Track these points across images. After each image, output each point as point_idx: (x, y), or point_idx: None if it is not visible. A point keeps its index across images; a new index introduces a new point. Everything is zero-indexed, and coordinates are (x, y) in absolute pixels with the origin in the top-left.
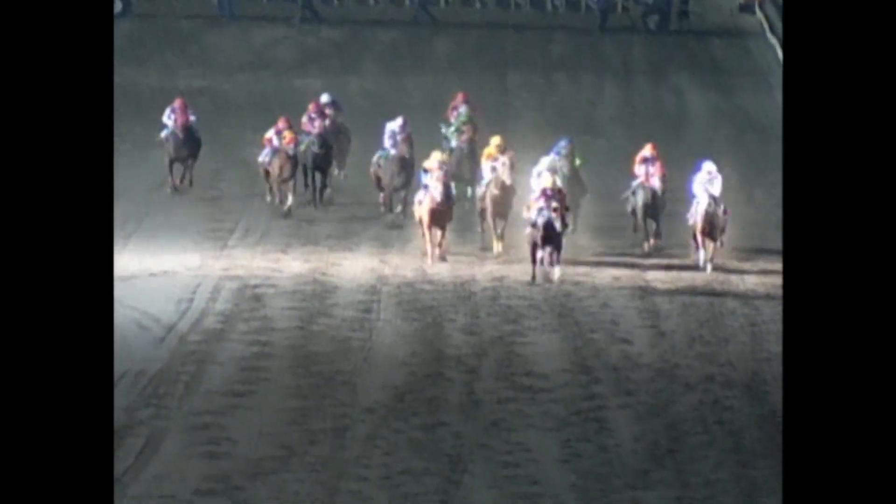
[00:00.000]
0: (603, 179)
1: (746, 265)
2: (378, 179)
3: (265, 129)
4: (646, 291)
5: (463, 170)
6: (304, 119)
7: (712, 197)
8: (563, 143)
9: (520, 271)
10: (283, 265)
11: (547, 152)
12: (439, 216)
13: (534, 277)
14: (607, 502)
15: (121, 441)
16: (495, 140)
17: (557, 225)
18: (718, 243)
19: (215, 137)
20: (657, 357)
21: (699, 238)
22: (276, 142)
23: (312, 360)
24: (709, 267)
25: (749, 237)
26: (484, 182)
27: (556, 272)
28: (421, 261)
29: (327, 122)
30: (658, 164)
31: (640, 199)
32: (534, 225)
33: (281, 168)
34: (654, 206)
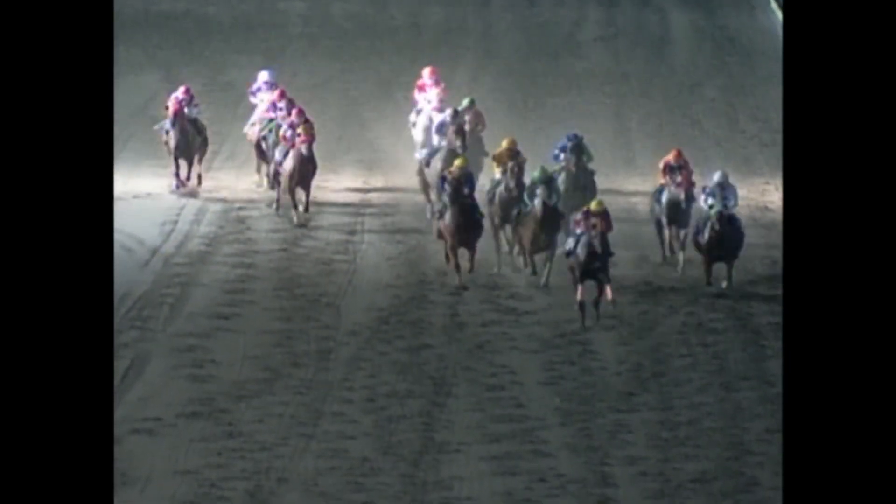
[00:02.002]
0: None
1: None
2: (427, 186)
3: (249, 54)
4: (630, 215)
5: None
6: (268, 109)
7: (720, 213)
8: (565, 142)
9: None
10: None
11: (552, 152)
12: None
13: (582, 310)
14: (591, 425)
15: None
16: (507, 142)
17: (599, 249)
18: (733, 270)
19: (199, 60)
20: (641, 280)
21: (707, 262)
22: (290, 139)
23: (296, 283)
24: (724, 284)
25: (730, 159)
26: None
27: (609, 292)
28: (404, 181)
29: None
30: (684, 172)
31: (664, 203)
32: (570, 254)
33: (292, 172)
34: (680, 212)
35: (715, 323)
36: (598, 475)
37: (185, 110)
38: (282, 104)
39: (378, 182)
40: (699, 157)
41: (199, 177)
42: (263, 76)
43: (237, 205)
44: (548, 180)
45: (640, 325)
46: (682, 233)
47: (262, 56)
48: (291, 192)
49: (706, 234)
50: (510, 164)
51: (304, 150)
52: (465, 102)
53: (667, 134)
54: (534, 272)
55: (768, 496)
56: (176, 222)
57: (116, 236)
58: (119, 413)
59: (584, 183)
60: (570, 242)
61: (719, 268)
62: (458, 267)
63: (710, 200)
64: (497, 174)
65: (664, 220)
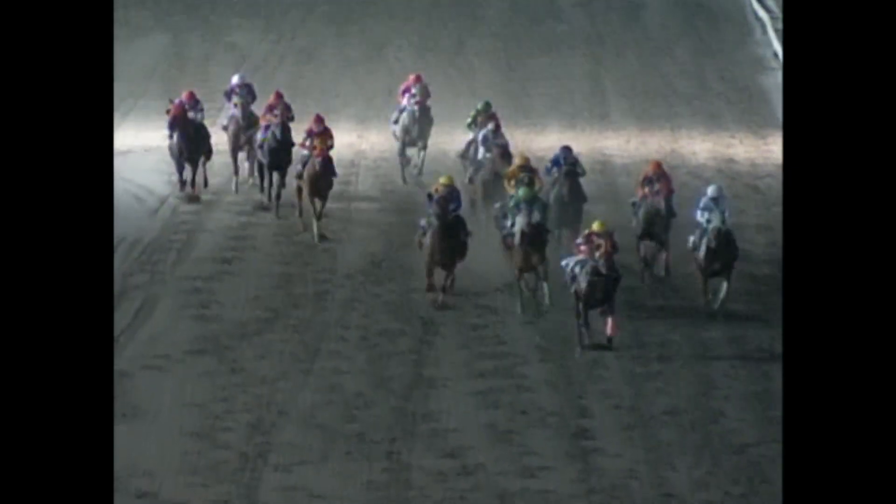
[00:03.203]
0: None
1: (698, 142)
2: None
3: (252, 17)
4: (604, 167)
5: None
6: (262, 112)
7: (717, 229)
8: (559, 156)
9: None
10: (367, 143)
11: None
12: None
13: (581, 341)
14: (569, 362)
15: (117, 305)
16: (519, 159)
17: (604, 271)
18: (725, 284)
19: (204, 24)
20: (615, 226)
21: (703, 277)
22: (308, 147)
23: (295, 230)
24: (717, 303)
25: (698, 115)
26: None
27: (610, 325)
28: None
29: (285, 115)
30: (664, 182)
31: (641, 217)
32: (574, 279)
33: (309, 184)
34: (658, 224)
35: (685, 268)
36: (575, 408)
37: (189, 114)
38: (277, 109)
39: (372, 136)
40: (669, 114)
41: (206, 180)
42: (235, 79)
43: (240, 157)
44: (532, 199)
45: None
46: (662, 254)
47: (263, 20)
48: (311, 201)
49: (702, 250)
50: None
51: (317, 165)
52: (480, 106)
53: (640, 92)
54: (526, 291)
55: (734, 427)
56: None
57: (127, 186)
58: (130, 350)
59: (571, 198)
60: (571, 265)
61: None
62: (432, 287)
63: (706, 215)
64: (510, 192)
65: (639, 233)
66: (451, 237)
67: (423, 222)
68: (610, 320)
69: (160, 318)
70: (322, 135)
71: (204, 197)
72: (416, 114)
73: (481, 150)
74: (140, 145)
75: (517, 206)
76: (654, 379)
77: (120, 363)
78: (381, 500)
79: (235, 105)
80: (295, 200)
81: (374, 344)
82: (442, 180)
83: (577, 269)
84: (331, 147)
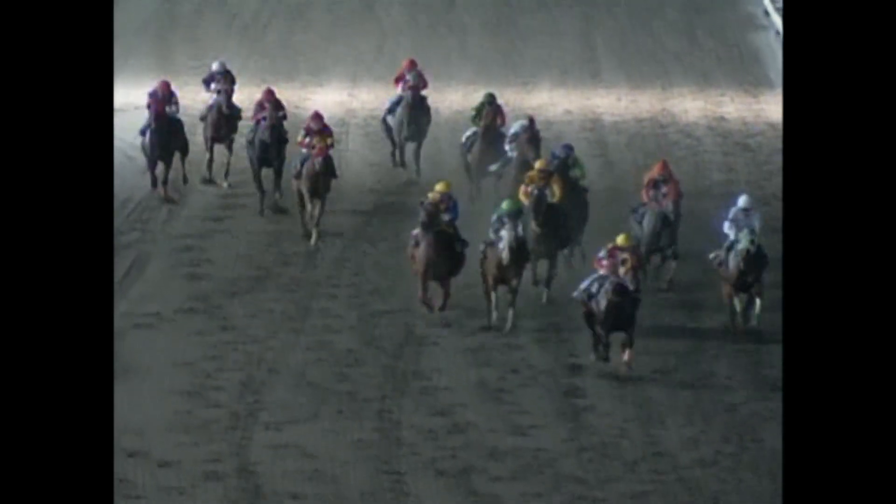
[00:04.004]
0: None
1: (688, 100)
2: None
3: None
4: (595, 125)
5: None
6: (254, 109)
7: (746, 250)
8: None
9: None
10: (258, 99)
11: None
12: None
13: (597, 353)
14: (559, 320)
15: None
16: (539, 163)
17: (631, 287)
18: (756, 300)
19: None
20: (607, 187)
21: (731, 293)
22: (307, 145)
23: (285, 188)
24: (740, 320)
25: (689, 73)
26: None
27: (627, 356)
28: (387, 95)
29: (277, 112)
30: (671, 184)
31: (647, 225)
32: (591, 297)
33: (307, 184)
34: (665, 234)
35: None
36: (566, 367)
37: (165, 108)
38: (268, 103)
39: (362, 94)
40: (660, 72)
41: (185, 177)
42: (215, 66)
43: None
44: (517, 212)
45: (607, 225)
46: (671, 263)
47: None
48: (310, 201)
49: (731, 267)
50: (531, 188)
51: (317, 164)
52: (483, 99)
53: (630, 51)
54: (490, 311)
55: (725, 386)
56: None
57: (119, 144)
58: (121, 308)
59: (574, 204)
60: (589, 284)
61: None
62: (427, 302)
63: (735, 232)
64: (524, 199)
65: (645, 244)
66: (445, 249)
67: (415, 232)
68: (628, 352)
69: (151, 277)
70: (321, 133)
71: (195, 156)
72: (410, 105)
73: (508, 146)
74: (131, 103)
75: (500, 218)
76: (644, 338)
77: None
78: (372, 459)
79: (218, 93)
80: (294, 203)
81: (364, 302)
82: (438, 187)
83: (594, 288)
84: (331, 146)
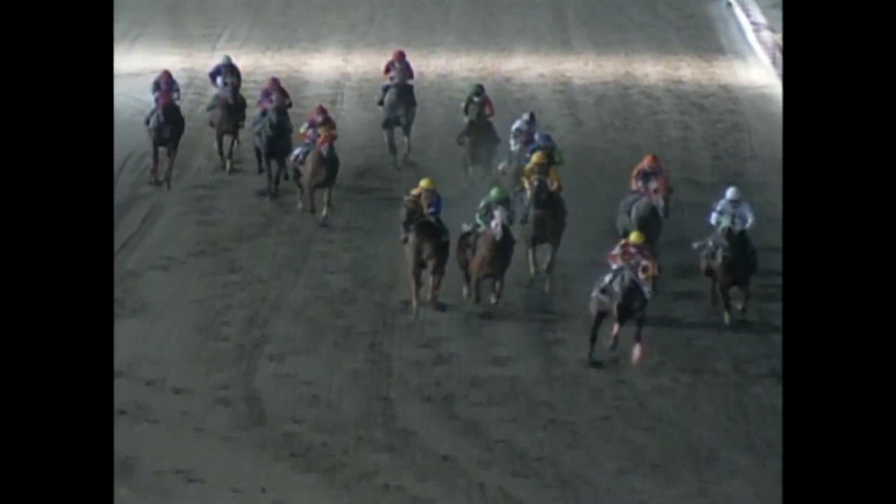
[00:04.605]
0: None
1: (649, 65)
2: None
3: None
4: (565, 87)
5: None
6: (260, 98)
7: (729, 230)
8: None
9: (464, 66)
10: (262, 63)
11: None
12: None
13: (591, 357)
14: (539, 264)
15: (126, 212)
16: (536, 157)
17: (645, 291)
18: (745, 294)
19: None
20: (576, 143)
21: (718, 288)
22: (310, 137)
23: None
24: (730, 316)
25: (650, 41)
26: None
27: (637, 351)
28: (378, 60)
29: (283, 101)
30: (661, 178)
31: (635, 215)
32: (604, 291)
33: (314, 172)
34: (652, 225)
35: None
36: (540, 304)
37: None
38: (273, 95)
39: (356, 60)
40: (624, 39)
41: (171, 167)
42: (221, 60)
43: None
44: (504, 200)
45: (576, 185)
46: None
47: None
48: (311, 191)
49: (719, 257)
50: (532, 178)
51: (323, 151)
52: (472, 91)
53: (597, 21)
54: (477, 300)
55: (682, 321)
56: (185, 92)
57: (136, 104)
58: (138, 253)
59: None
60: (609, 282)
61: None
62: (419, 288)
63: (720, 219)
64: (528, 187)
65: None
66: (431, 239)
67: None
68: (638, 346)
69: (165, 224)
70: (325, 124)
71: (204, 115)
72: (397, 94)
73: (511, 141)
74: (148, 67)
75: (488, 205)
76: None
77: (130, 264)
78: (364, 387)
79: (226, 85)
80: (299, 192)
81: (357, 246)
82: (423, 183)
83: (606, 279)
84: (335, 137)
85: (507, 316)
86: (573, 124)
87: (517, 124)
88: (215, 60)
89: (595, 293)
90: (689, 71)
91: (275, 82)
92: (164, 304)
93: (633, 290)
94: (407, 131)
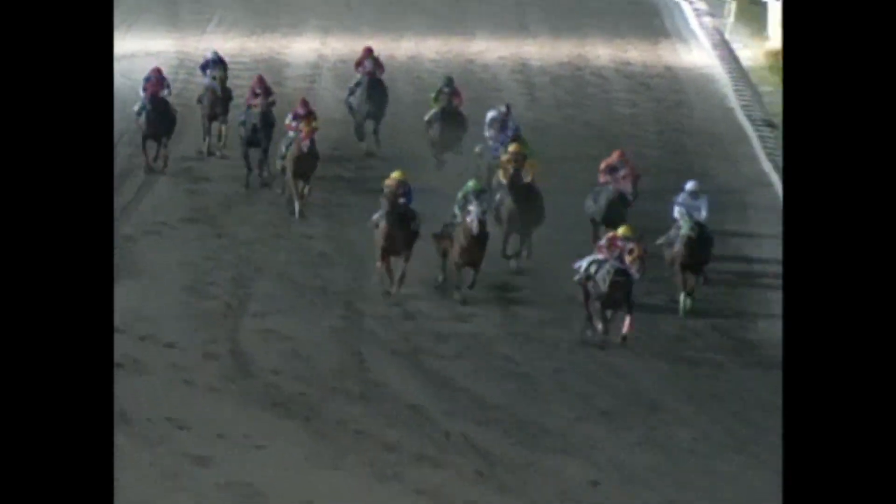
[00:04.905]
0: None
1: (600, 48)
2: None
3: None
4: (524, 68)
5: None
6: (248, 94)
7: (696, 222)
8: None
9: (431, 49)
10: (248, 46)
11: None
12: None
13: (589, 337)
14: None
15: (124, 181)
16: (513, 147)
17: (632, 273)
18: (701, 278)
19: None
20: (533, 118)
21: (678, 271)
22: (294, 128)
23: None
24: (689, 303)
25: (601, 26)
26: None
27: (627, 323)
28: (353, 44)
29: (267, 98)
30: (627, 169)
31: (602, 201)
32: (589, 278)
33: (294, 164)
34: (619, 212)
35: (591, 149)
36: (503, 266)
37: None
38: (259, 90)
39: (332, 42)
40: (578, 25)
41: (166, 159)
42: (210, 54)
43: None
44: (480, 191)
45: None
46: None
47: None
48: (294, 181)
49: (678, 247)
50: (509, 169)
51: (304, 147)
52: (443, 82)
53: (555, 8)
54: (457, 288)
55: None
56: (177, 73)
57: (133, 84)
58: (134, 219)
59: (531, 205)
60: (585, 266)
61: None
62: (390, 273)
63: (682, 211)
64: (503, 180)
65: (599, 219)
66: (402, 226)
67: (375, 216)
68: (628, 319)
69: (159, 193)
70: (307, 118)
71: (193, 93)
72: (368, 88)
73: (488, 132)
74: (142, 49)
75: (466, 197)
76: (568, 246)
77: (126, 229)
78: (340, 342)
79: (214, 78)
80: (282, 182)
81: (334, 214)
82: (395, 175)
83: (592, 269)
84: (316, 129)
85: (470, 277)
86: (530, 102)
87: (492, 114)
88: (205, 44)
89: (578, 278)
90: (636, 53)
91: (260, 81)
92: (156, 266)
93: (617, 283)
94: (377, 123)
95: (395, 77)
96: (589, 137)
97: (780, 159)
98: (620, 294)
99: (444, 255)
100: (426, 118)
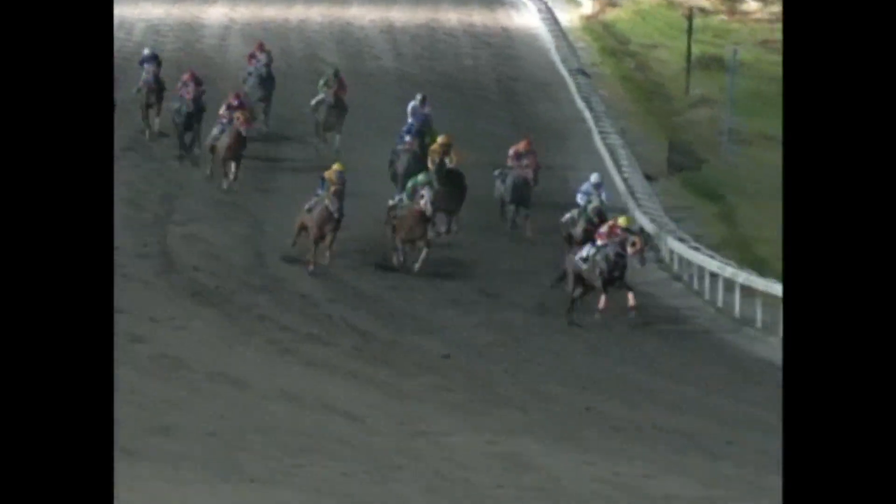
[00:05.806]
0: None
1: (451, 13)
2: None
3: None
4: (390, 27)
5: (331, 120)
6: (178, 85)
7: (597, 209)
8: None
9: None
10: (171, 12)
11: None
12: (331, 226)
13: (572, 317)
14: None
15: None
16: (442, 138)
17: (632, 261)
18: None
19: None
20: (398, 68)
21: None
22: (226, 118)
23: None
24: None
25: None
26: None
27: (631, 298)
28: (256, 10)
29: (198, 88)
30: (532, 158)
31: (509, 183)
32: (585, 261)
33: (229, 146)
34: (525, 193)
35: (450, 97)
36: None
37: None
38: (190, 84)
39: (240, 10)
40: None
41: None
42: (146, 51)
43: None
44: (429, 182)
45: (398, 98)
46: (524, 212)
47: None
48: (225, 163)
49: (579, 228)
50: (435, 158)
51: (242, 130)
52: (329, 73)
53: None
54: (402, 261)
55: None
56: (167, 36)
57: (131, 46)
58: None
59: (456, 186)
60: (586, 251)
61: None
62: (316, 251)
63: (587, 198)
64: (430, 167)
65: (507, 199)
66: (330, 214)
67: (309, 203)
68: (631, 294)
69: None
70: (241, 108)
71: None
72: (330, 105)
73: (410, 119)
74: (140, 17)
75: (415, 187)
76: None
77: None
78: (249, 245)
79: (147, 73)
80: (209, 165)
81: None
82: (335, 167)
83: (590, 251)
84: (254, 118)
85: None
86: (395, 56)
87: (412, 104)
88: (139, 10)
89: (575, 258)
90: (479, 17)
91: (191, 74)
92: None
93: (617, 263)
94: (338, 134)
95: (290, 37)
96: (441, 84)
97: (591, 100)
98: (619, 273)
99: (392, 233)
100: (312, 102)
